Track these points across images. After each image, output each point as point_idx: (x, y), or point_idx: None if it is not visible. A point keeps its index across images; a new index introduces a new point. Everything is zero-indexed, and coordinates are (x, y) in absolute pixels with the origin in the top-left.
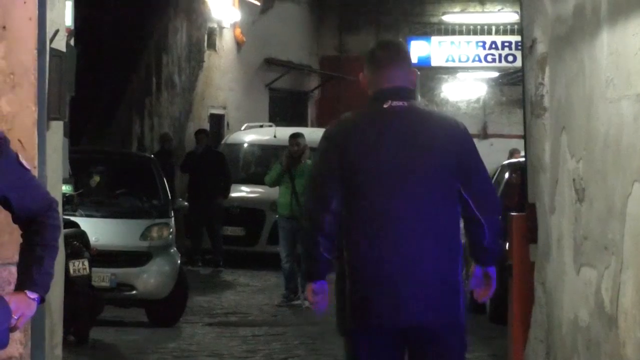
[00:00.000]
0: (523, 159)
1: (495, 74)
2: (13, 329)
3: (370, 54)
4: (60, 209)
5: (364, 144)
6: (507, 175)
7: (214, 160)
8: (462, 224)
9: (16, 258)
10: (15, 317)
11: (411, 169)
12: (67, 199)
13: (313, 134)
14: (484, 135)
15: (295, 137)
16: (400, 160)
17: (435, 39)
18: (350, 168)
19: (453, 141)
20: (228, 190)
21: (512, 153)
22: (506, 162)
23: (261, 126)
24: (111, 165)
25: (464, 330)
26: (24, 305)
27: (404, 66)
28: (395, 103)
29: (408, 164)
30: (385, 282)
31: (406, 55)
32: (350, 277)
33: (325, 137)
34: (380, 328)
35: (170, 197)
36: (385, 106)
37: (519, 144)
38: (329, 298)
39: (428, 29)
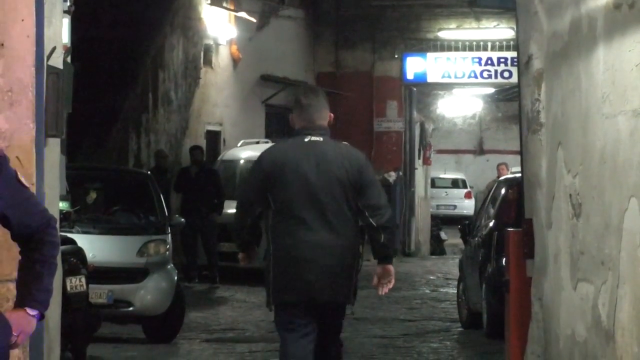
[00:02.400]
0: (511, 174)
1: (491, 90)
2: (13, 346)
3: (297, 99)
4: (57, 225)
5: (288, 165)
6: (503, 191)
7: (208, 177)
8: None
9: (14, 275)
10: (16, 334)
11: (321, 185)
12: (64, 216)
13: None
14: (480, 151)
15: None
16: (313, 178)
17: (431, 55)
18: (275, 182)
19: (353, 166)
20: (222, 207)
21: (497, 167)
22: (502, 177)
23: (257, 142)
24: (108, 182)
25: (345, 307)
26: (24, 322)
27: (322, 110)
28: (314, 137)
29: (319, 181)
30: (298, 269)
31: (324, 101)
32: (273, 265)
33: (257, 159)
34: (294, 302)
35: (166, 214)
36: (306, 140)
37: (515, 159)
38: None
39: (424, 45)
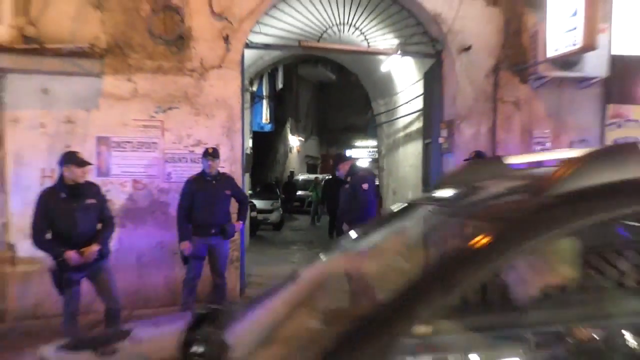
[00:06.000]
0: None
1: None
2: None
3: (332, 158)
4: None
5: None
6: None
7: None
8: None
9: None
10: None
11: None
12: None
13: None
14: None
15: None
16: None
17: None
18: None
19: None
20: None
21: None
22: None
23: None
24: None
25: None
26: (237, 228)
27: (343, 162)
28: (339, 173)
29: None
30: None
31: (344, 158)
32: None
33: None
34: None
35: None
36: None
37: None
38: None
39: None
